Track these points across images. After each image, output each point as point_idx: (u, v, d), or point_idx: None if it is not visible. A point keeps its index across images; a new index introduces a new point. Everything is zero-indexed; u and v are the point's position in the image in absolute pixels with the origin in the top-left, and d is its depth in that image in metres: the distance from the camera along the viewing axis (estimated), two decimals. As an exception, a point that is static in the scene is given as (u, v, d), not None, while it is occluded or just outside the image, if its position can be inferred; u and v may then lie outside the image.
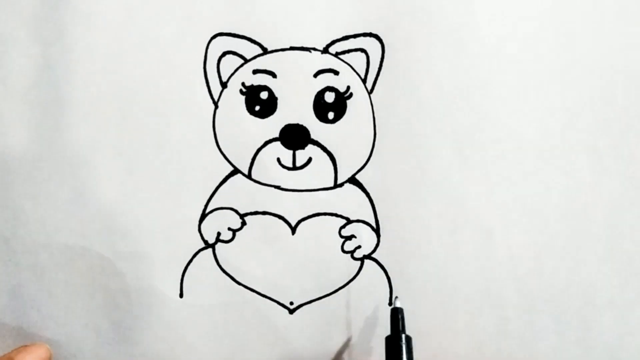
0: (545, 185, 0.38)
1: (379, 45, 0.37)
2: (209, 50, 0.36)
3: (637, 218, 0.38)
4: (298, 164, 0.37)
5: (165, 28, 0.36)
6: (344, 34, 0.37)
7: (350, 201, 0.38)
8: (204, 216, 0.37)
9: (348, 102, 0.37)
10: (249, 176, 0.37)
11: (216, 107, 0.37)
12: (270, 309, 0.38)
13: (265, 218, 0.38)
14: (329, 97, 0.37)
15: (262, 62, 0.37)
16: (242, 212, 0.38)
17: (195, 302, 0.38)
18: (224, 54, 0.37)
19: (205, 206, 0.37)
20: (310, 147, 0.37)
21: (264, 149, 0.37)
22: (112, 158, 0.37)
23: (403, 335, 0.35)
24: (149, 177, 0.37)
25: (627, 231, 0.38)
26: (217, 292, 0.38)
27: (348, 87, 0.37)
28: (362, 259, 0.38)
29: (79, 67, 0.36)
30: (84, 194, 0.37)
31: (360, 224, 0.38)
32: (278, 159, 0.37)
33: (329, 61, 0.37)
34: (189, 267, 0.38)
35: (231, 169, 0.37)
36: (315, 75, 0.37)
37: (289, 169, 0.37)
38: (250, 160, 0.37)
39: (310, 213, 0.38)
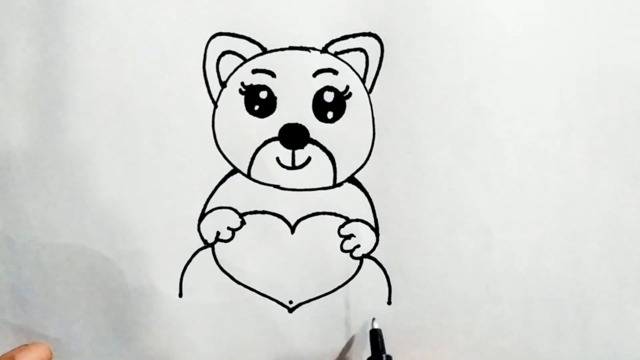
0: (543, 184, 0.38)
1: (378, 44, 0.37)
2: (208, 49, 0.36)
3: (635, 217, 0.38)
4: (297, 164, 0.37)
5: (164, 27, 0.36)
6: (343, 34, 0.37)
7: (349, 200, 0.38)
8: (203, 215, 0.38)
9: (347, 101, 0.37)
10: (248, 176, 0.37)
11: (215, 106, 0.37)
12: (269, 308, 0.38)
13: (265, 217, 0.38)
14: (328, 96, 0.37)
15: (262, 62, 0.37)
16: (241, 211, 0.38)
17: (194, 301, 0.38)
18: (223, 53, 0.37)
19: (205, 205, 0.37)
20: (309, 146, 0.37)
21: (263, 149, 0.37)
22: (112, 157, 0.37)
23: (384, 356, 0.36)
24: (149, 176, 0.37)
25: (624, 229, 0.38)
26: (217, 291, 0.38)
27: (347, 87, 0.37)
28: (361, 258, 0.38)
29: (78, 66, 0.36)
30: (83, 193, 0.37)
31: (359, 223, 0.38)
32: (277, 159, 0.37)
33: (328, 61, 0.37)
34: (189, 267, 0.38)
35: (230, 168, 0.37)
36: (315, 75, 0.37)
37: (288, 168, 0.37)
38: (249, 160, 0.37)
39: (310, 212, 0.38)
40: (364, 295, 0.39)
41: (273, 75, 0.37)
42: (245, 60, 0.37)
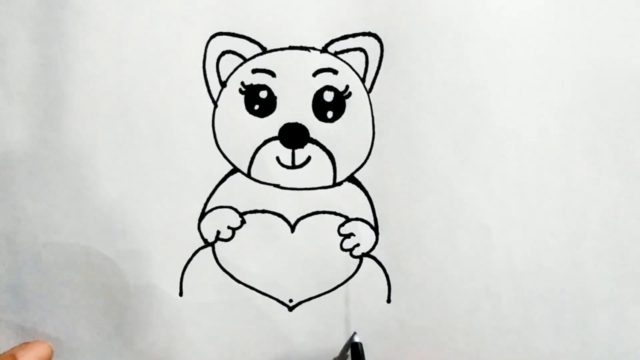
0: (543, 183, 0.38)
1: (377, 44, 0.37)
2: (208, 49, 0.36)
3: (635, 216, 0.38)
4: (297, 163, 0.37)
5: (164, 27, 0.36)
6: (343, 33, 0.37)
7: (349, 199, 0.38)
8: (203, 215, 0.38)
9: (347, 101, 0.37)
10: (248, 175, 0.37)
11: (215, 106, 0.37)
12: (269, 307, 0.38)
13: (265, 216, 0.38)
14: (328, 96, 0.37)
15: (262, 62, 0.37)
16: (241, 210, 0.38)
17: (194, 300, 0.38)
18: (223, 53, 0.37)
19: (205, 205, 0.37)
20: (309, 145, 0.37)
21: (263, 148, 0.37)
22: (112, 157, 0.37)
23: None
24: (149, 176, 0.37)
25: (624, 229, 0.38)
26: (217, 290, 0.38)
27: (347, 87, 0.37)
28: (360, 257, 0.39)
29: (78, 66, 0.36)
30: (84, 192, 0.37)
31: (359, 222, 0.38)
32: (277, 158, 0.37)
33: (328, 60, 0.37)
34: (189, 266, 0.38)
35: (230, 167, 0.37)
36: (314, 75, 0.37)
37: (288, 167, 0.37)
38: (249, 159, 0.37)
39: (309, 211, 0.38)
40: (364, 293, 0.39)
41: (273, 74, 0.37)
42: (245, 60, 0.37)
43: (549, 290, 0.38)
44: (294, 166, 0.37)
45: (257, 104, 0.37)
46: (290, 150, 0.37)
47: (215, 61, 0.37)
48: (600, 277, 0.38)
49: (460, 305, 0.38)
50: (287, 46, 0.36)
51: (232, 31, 0.36)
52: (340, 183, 0.38)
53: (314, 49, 0.37)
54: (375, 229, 0.38)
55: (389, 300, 0.39)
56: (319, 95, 0.37)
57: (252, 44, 0.36)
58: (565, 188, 0.38)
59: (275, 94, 0.37)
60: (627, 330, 0.39)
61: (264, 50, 0.37)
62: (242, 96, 0.37)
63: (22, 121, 0.36)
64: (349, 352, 0.38)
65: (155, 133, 0.37)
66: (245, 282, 0.38)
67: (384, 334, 0.39)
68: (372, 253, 0.38)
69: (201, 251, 0.38)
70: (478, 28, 0.37)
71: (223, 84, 0.37)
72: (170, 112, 0.37)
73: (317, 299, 0.38)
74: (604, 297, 0.39)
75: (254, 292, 0.38)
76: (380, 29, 0.36)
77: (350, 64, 0.37)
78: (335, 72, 0.37)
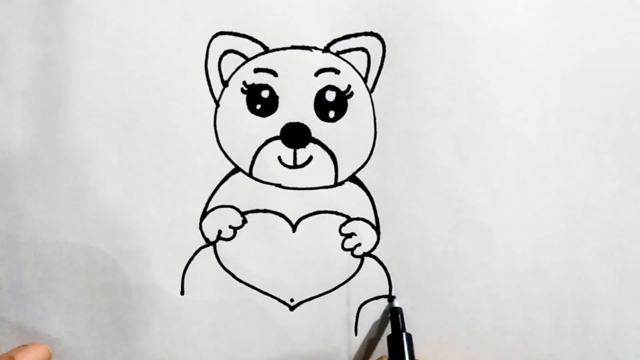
0: (544, 184, 0.38)
1: (379, 44, 0.37)
2: (210, 49, 0.36)
3: (636, 217, 0.38)
4: (299, 162, 0.37)
5: (166, 27, 0.36)
6: (345, 33, 0.37)
7: (350, 199, 0.38)
8: (205, 214, 0.38)
9: (349, 100, 0.37)
10: (250, 174, 0.37)
11: (217, 105, 0.37)
12: (270, 306, 0.38)
13: (266, 216, 0.38)
14: (330, 95, 0.37)
15: (263, 61, 0.37)
16: (243, 210, 0.38)
17: (196, 300, 0.38)
18: (225, 52, 0.37)
19: (207, 204, 0.37)
20: (311, 145, 0.37)
21: (265, 148, 0.37)
22: (114, 156, 0.37)
23: (404, 334, 0.36)
24: (151, 175, 0.37)
25: (625, 229, 0.38)
26: (218, 289, 0.38)
27: (349, 86, 0.37)
28: (362, 257, 0.39)
29: (80, 65, 0.36)
30: (85, 191, 0.37)
31: (361, 221, 0.38)
32: (279, 158, 0.37)
33: (330, 60, 0.37)
34: (190, 265, 0.38)
35: (232, 167, 0.37)
36: (316, 74, 0.37)
37: (289, 167, 0.37)
38: (251, 159, 0.37)
39: (311, 211, 0.38)
40: (365, 293, 0.39)
41: (275, 74, 0.37)
42: (247, 60, 0.37)
43: (550, 290, 0.38)
44: (295, 166, 0.37)
45: (259, 103, 0.37)
46: (292, 150, 0.37)
47: (217, 60, 0.37)
48: (600, 278, 0.39)
49: (461, 305, 0.38)
50: (289, 46, 0.37)
51: (234, 30, 0.36)
52: (342, 183, 0.38)
53: (316, 48, 0.37)
54: (377, 228, 0.38)
55: (390, 300, 0.39)
56: (320, 94, 0.37)
57: (254, 44, 0.36)
58: (566, 188, 0.38)
59: (277, 94, 0.37)
60: (628, 330, 0.39)
61: (266, 50, 0.37)
62: (244, 96, 0.37)
63: (24, 120, 0.36)
64: (389, 316, 0.38)
65: (157, 132, 0.37)
66: (246, 281, 0.38)
67: (385, 334, 0.39)
68: (373, 253, 0.39)
69: (203, 250, 0.38)
70: (480, 28, 0.37)
71: (225, 84, 0.37)
72: (172, 111, 0.37)
73: (318, 298, 0.38)
74: (605, 297, 0.39)
75: (255, 291, 0.38)
76: (382, 29, 0.36)
77: (352, 63, 0.37)
78: (337, 71, 0.37)
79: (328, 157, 0.38)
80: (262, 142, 0.37)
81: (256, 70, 0.37)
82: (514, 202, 0.38)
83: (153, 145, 0.37)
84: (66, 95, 0.36)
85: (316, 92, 0.37)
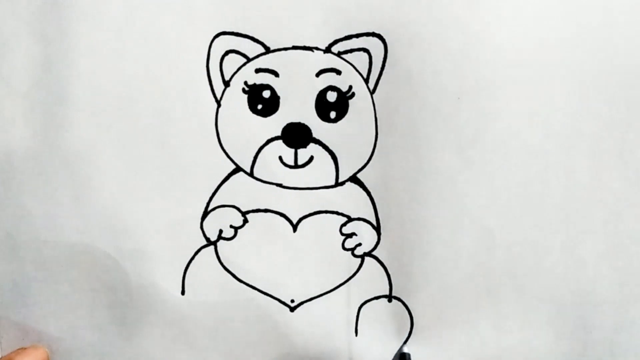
0: (546, 185, 0.38)
1: (381, 45, 0.36)
2: (211, 49, 0.36)
3: (637, 218, 0.38)
4: (300, 163, 0.37)
5: (167, 27, 0.36)
6: (347, 34, 0.36)
7: (351, 199, 0.38)
8: (206, 214, 0.38)
9: (350, 101, 0.37)
10: (251, 174, 0.37)
11: (219, 105, 0.37)
12: (271, 307, 0.38)
13: (267, 216, 0.38)
14: (331, 96, 0.37)
15: (265, 61, 0.37)
16: (244, 209, 0.38)
17: (196, 300, 0.38)
18: (227, 52, 0.37)
19: (208, 204, 0.38)
20: (312, 145, 0.37)
21: (266, 148, 0.37)
22: (115, 156, 0.37)
23: None
24: (152, 175, 0.37)
25: (626, 231, 0.38)
26: (219, 289, 0.38)
27: (350, 87, 0.37)
28: (362, 257, 0.39)
29: (81, 65, 0.36)
30: (86, 191, 0.37)
31: (361, 222, 0.38)
32: (280, 158, 0.37)
33: (331, 60, 0.37)
34: (191, 265, 0.38)
35: (233, 167, 0.37)
36: (318, 75, 0.37)
37: (290, 167, 0.37)
38: (252, 159, 0.37)
39: (312, 211, 0.38)
40: (365, 293, 0.39)
41: (276, 74, 0.37)
42: (249, 60, 0.37)
43: (550, 291, 0.38)
44: (296, 166, 0.37)
45: (260, 103, 0.37)
46: (292, 150, 0.37)
47: (218, 61, 0.37)
48: (601, 279, 0.39)
49: (461, 306, 0.38)
50: (290, 46, 0.36)
51: (235, 31, 0.36)
52: (343, 183, 0.38)
53: (317, 49, 0.37)
54: (377, 228, 0.38)
55: (390, 300, 0.39)
56: (322, 95, 0.37)
57: (255, 44, 0.36)
58: (567, 190, 0.38)
59: (279, 94, 0.37)
60: (627, 330, 0.39)
61: (268, 50, 0.36)
62: (245, 96, 0.37)
63: (25, 120, 0.36)
64: None
65: (158, 132, 0.37)
66: (247, 281, 0.38)
67: (385, 334, 0.39)
68: (373, 253, 0.39)
69: (203, 250, 0.38)
70: (482, 29, 0.36)
71: (226, 84, 0.37)
72: (174, 111, 0.37)
73: (318, 299, 0.39)
74: (605, 299, 0.39)
75: (255, 291, 0.38)
76: (384, 30, 0.36)
77: (354, 64, 0.37)
78: (338, 72, 0.37)
79: (329, 157, 0.38)
80: (263, 142, 0.37)
81: (257, 71, 0.37)
82: (515, 203, 0.38)
83: (154, 145, 0.37)
84: (67, 95, 0.36)
85: (317, 92, 0.37)
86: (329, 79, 0.37)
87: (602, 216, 0.38)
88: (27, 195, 0.37)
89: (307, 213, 0.38)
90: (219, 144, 0.37)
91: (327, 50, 0.37)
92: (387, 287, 0.39)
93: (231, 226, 0.38)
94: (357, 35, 0.36)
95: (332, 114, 0.37)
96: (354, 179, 0.38)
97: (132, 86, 0.36)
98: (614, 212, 0.38)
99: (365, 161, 0.38)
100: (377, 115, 0.37)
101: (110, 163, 0.37)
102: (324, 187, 0.38)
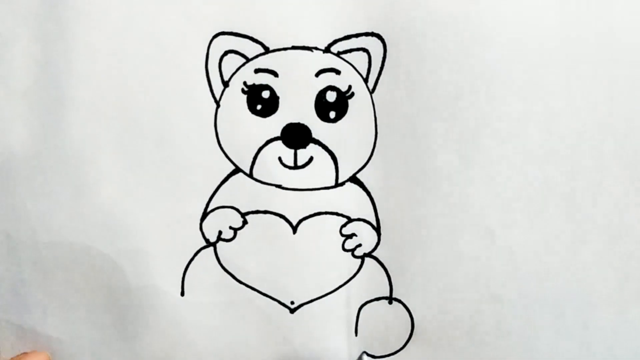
0: (546, 185, 0.38)
1: (380, 44, 0.36)
2: (210, 49, 0.36)
3: (637, 218, 0.38)
4: (299, 163, 0.37)
5: (166, 27, 0.36)
6: (346, 34, 0.36)
7: (351, 200, 0.38)
8: (205, 215, 0.38)
9: (349, 101, 0.37)
10: (250, 175, 0.37)
11: (218, 106, 0.37)
12: (271, 308, 0.38)
13: (267, 217, 0.38)
14: (331, 96, 0.37)
15: (264, 61, 0.36)
16: (243, 210, 0.38)
17: (196, 301, 0.38)
18: (226, 53, 0.36)
19: (207, 205, 0.37)
20: (311, 146, 0.37)
21: (265, 148, 0.37)
22: (114, 156, 0.37)
23: None
24: (151, 175, 0.37)
25: (627, 231, 0.38)
26: (218, 290, 0.38)
27: (349, 87, 0.37)
28: (362, 257, 0.39)
29: (80, 65, 0.36)
30: (85, 192, 0.37)
31: (361, 222, 0.38)
32: (279, 158, 0.37)
33: (330, 60, 0.37)
34: (190, 266, 0.38)
35: (232, 167, 0.37)
36: (317, 75, 0.37)
37: (290, 168, 0.37)
38: (251, 159, 0.37)
39: (312, 212, 0.38)
40: (365, 294, 0.39)
41: (275, 74, 0.37)
42: (248, 60, 0.37)
43: (551, 292, 0.38)
44: (296, 166, 0.37)
45: (259, 103, 0.37)
46: (292, 151, 0.37)
47: (217, 61, 0.36)
48: (603, 280, 0.38)
49: (462, 307, 0.38)
50: (289, 46, 0.36)
51: (234, 31, 0.36)
52: (343, 183, 0.38)
53: (316, 49, 0.36)
54: (377, 229, 0.38)
55: (390, 301, 0.39)
56: (321, 95, 0.37)
57: (254, 44, 0.36)
58: (568, 190, 0.38)
59: (278, 94, 0.37)
60: (629, 332, 0.39)
61: (267, 50, 0.36)
62: (245, 96, 0.37)
63: (24, 120, 0.36)
64: None
65: (157, 132, 0.37)
66: (246, 282, 0.38)
67: (385, 334, 0.39)
68: (374, 254, 0.39)
69: (203, 251, 0.38)
70: (482, 29, 0.36)
71: (225, 84, 0.37)
72: (173, 111, 0.36)
73: (318, 300, 0.38)
74: (606, 300, 0.39)
75: (255, 293, 0.38)
76: (383, 29, 0.36)
77: (353, 64, 0.37)
78: (338, 72, 0.37)
79: (329, 157, 0.37)
80: (263, 142, 0.37)
81: (257, 71, 0.37)
82: (517, 205, 0.38)
83: (153, 146, 0.37)
84: (66, 95, 0.36)
85: (317, 92, 0.37)
86: (328, 79, 0.37)
87: (603, 217, 0.38)
88: (26, 195, 0.37)
89: (306, 214, 0.38)
90: (218, 144, 0.37)
91: (327, 50, 0.37)
92: (388, 288, 0.39)
93: (230, 227, 0.38)
94: (357, 35, 0.36)
95: (332, 114, 0.37)
96: (353, 179, 0.38)
97: (131, 86, 0.36)
98: (616, 213, 0.38)
99: (365, 161, 0.38)
100: (377, 115, 0.37)
101: (109, 163, 0.37)
102: (323, 188, 0.38)
